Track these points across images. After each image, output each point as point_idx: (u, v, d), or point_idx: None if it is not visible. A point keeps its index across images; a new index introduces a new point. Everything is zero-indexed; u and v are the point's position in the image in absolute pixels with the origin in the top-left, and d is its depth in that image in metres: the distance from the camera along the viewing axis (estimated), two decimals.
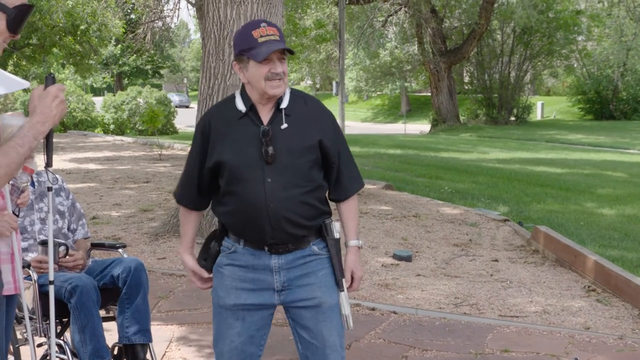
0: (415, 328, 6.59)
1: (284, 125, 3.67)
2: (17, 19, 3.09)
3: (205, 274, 3.88)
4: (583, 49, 50.47)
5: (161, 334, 6.26)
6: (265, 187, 3.62)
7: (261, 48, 3.59)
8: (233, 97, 3.80)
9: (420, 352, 6.02)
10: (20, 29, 3.15)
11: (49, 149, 3.48)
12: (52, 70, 51.77)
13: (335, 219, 3.84)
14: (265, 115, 3.70)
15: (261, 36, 3.60)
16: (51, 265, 4.00)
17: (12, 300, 4.02)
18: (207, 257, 3.87)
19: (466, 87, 51.88)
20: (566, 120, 49.32)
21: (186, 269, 3.96)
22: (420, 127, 48.51)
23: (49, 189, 3.88)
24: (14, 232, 3.91)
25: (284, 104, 3.70)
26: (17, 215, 4.17)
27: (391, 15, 41.40)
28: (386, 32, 46.29)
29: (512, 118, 46.74)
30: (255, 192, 3.62)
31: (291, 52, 3.67)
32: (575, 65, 52.12)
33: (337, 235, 3.76)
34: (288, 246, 3.70)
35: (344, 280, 3.77)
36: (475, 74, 48.88)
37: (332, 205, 3.88)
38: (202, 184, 3.83)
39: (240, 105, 3.72)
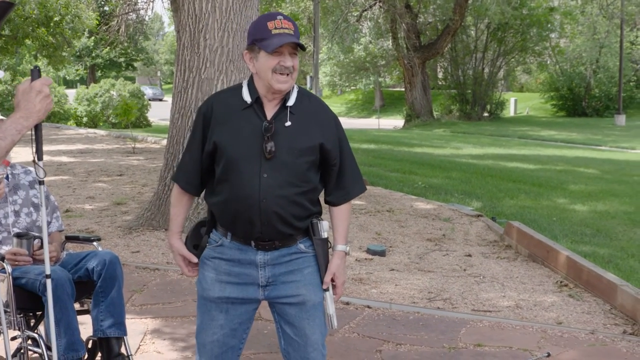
0: (389, 322, 6.61)
1: (288, 123, 3.65)
2: None
3: (195, 259, 3.86)
4: (556, 45, 50.92)
5: (135, 327, 6.24)
6: (260, 182, 3.60)
7: (273, 39, 3.57)
8: (240, 86, 3.77)
9: (394, 347, 6.04)
10: (0, 24, 3.13)
11: (38, 142, 3.46)
12: (24, 62, 51.45)
13: (324, 218, 3.83)
14: (270, 110, 3.68)
15: (275, 28, 3.58)
16: (47, 258, 3.95)
17: None
18: (197, 245, 3.87)
19: (440, 83, 52.23)
20: (539, 116, 49.67)
21: (174, 253, 3.92)
22: (394, 122, 48.68)
23: (41, 182, 3.84)
24: None
25: (290, 102, 3.68)
26: None
27: (366, 10, 41.53)
28: (360, 27, 46.43)
29: (486, 114, 47.05)
30: (249, 185, 3.60)
31: (303, 48, 3.65)
32: (549, 62, 52.59)
33: (324, 235, 3.75)
34: (275, 243, 3.69)
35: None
36: (449, 69, 49.14)
37: (325, 206, 3.89)
38: (202, 167, 3.79)
39: (247, 96, 3.69)
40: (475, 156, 22.45)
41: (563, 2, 49.79)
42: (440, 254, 9.16)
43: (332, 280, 3.79)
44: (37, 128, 3.36)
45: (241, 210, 3.63)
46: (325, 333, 3.83)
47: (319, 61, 46.06)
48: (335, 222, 3.88)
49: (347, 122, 50.17)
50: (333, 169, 3.79)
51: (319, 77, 46.42)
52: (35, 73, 3.18)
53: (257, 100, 3.67)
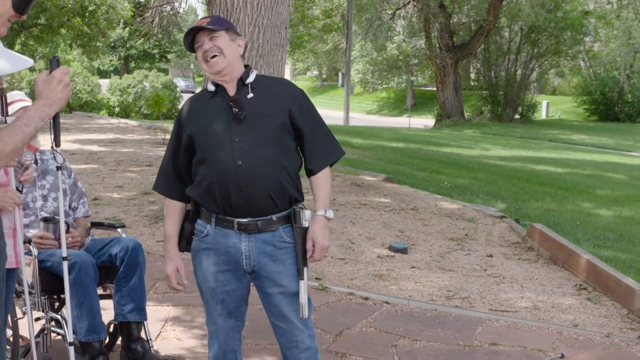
0: (407, 318, 6.70)
1: (250, 95, 3.87)
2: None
3: (174, 283, 4.11)
4: (590, 49, 50.53)
5: (156, 314, 6.38)
6: (233, 146, 3.77)
7: (186, 39, 3.92)
8: (206, 87, 4.02)
9: (410, 342, 6.13)
10: (26, 10, 3.25)
11: (56, 129, 3.60)
12: (59, 51, 51.89)
13: (307, 207, 3.97)
14: (232, 89, 3.91)
15: (191, 29, 3.91)
16: (64, 242, 4.10)
17: (13, 274, 4.14)
18: (181, 239, 4.05)
19: (472, 84, 51.97)
20: (571, 120, 49.32)
21: (168, 260, 4.11)
22: (424, 121, 48.60)
23: (58, 167, 3.99)
24: (16, 208, 4.03)
25: (249, 80, 3.92)
26: (21, 192, 4.30)
27: (400, 8, 41.50)
28: (394, 25, 46.37)
29: (517, 116, 46.80)
30: (223, 152, 3.78)
31: (214, 29, 3.85)
32: (582, 65, 52.16)
33: (305, 224, 3.88)
34: (257, 224, 3.82)
35: (305, 269, 3.88)
36: (482, 70, 48.89)
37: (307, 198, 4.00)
38: (181, 169, 3.98)
39: (210, 87, 3.96)
40: (503, 158, 22.42)
41: (598, 6, 49.47)
42: (462, 253, 9.23)
43: (312, 245, 3.90)
44: (55, 116, 3.49)
45: (218, 179, 3.78)
46: (309, 316, 3.97)
47: (352, 58, 46.10)
48: (315, 190, 3.99)
49: (378, 120, 50.28)
50: (305, 137, 3.93)
51: (351, 74, 46.45)
52: (55, 63, 3.32)
53: (218, 87, 3.92)
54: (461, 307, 7.15)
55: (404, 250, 9.11)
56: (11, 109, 4.20)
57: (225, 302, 3.99)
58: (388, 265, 8.53)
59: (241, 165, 3.74)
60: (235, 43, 3.91)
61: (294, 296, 3.90)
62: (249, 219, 3.82)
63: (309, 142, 3.95)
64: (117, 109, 40.67)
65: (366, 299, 7.20)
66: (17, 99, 4.71)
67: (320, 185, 3.99)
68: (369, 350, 5.91)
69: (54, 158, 5.38)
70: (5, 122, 3.32)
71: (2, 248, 3.17)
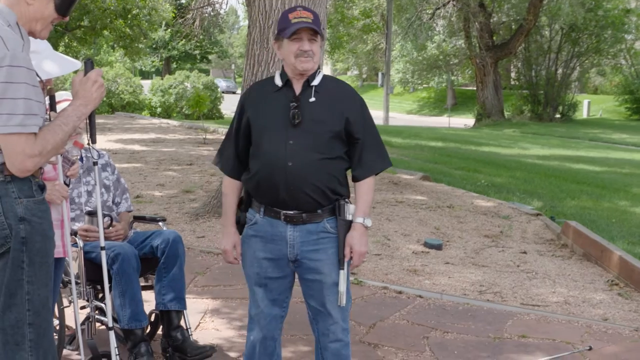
0: (439, 312, 6.86)
1: (312, 99, 4.06)
2: (65, 2, 3.42)
3: (231, 257, 4.31)
4: (631, 47, 50.08)
5: (196, 306, 6.60)
6: (286, 147, 3.99)
7: (292, 27, 4.00)
8: (273, 75, 4.21)
9: (441, 334, 6.29)
10: (69, 12, 3.48)
11: (92, 127, 3.84)
12: (102, 53, 52.48)
13: (352, 201, 4.15)
14: (299, 89, 4.10)
15: (295, 18, 4.02)
16: (101, 232, 4.35)
17: (60, 264, 4.39)
18: (237, 227, 4.27)
19: (512, 83, 51.76)
20: (612, 119, 48.96)
21: (225, 236, 4.32)
22: (464, 121, 48.53)
23: (94, 163, 4.23)
24: (64, 201, 4.27)
25: (315, 82, 4.10)
26: (68, 186, 4.54)
27: (439, 8, 41.51)
28: (434, 24, 46.33)
29: (558, 115, 46.58)
30: (276, 151, 4.00)
31: (319, 34, 4.04)
32: (623, 64, 51.72)
33: (348, 217, 4.08)
34: (302, 216, 4.04)
35: (345, 260, 4.08)
36: (522, 69, 48.72)
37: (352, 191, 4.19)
38: (239, 149, 4.21)
39: (278, 81, 4.15)
40: (541, 157, 22.44)
41: None
42: (496, 250, 9.36)
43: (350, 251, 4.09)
44: (91, 115, 3.72)
45: (268, 176, 4.01)
46: (346, 308, 4.18)
47: (392, 58, 46.17)
48: (357, 197, 4.18)
49: (418, 120, 50.26)
50: (357, 145, 4.13)
51: (391, 74, 46.51)
52: (89, 65, 3.55)
53: (286, 83, 4.11)
54: (493, 301, 7.29)
55: (438, 247, 9.26)
56: (59, 108, 4.42)
57: (268, 287, 4.19)
58: (422, 260, 8.69)
59: (291, 166, 3.96)
60: (322, 51, 4.15)
61: (333, 286, 4.09)
62: (295, 211, 4.04)
63: (359, 150, 4.14)
64: (158, 110, 41.00)
65: (400, 292, 7.37)
66: (64, 99, 4.94)
67: (362, 193, 4.18)
68: (400, 341, 6.08)
69: (101, 155, 5.66)
70: (50, 119, 3.55)
71: (51, 237, 3.39)
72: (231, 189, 4.30)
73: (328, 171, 4.03)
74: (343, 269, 4.07)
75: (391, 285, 7.58)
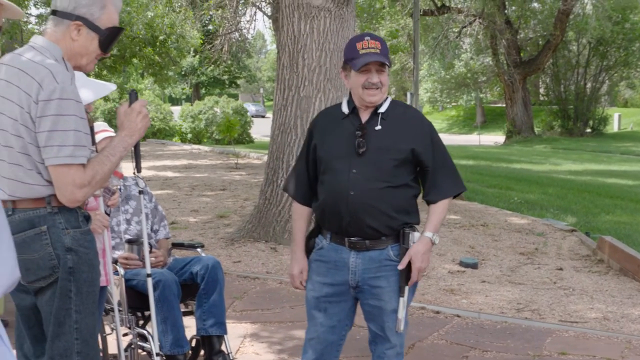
0: (477, 331, 6.86)
1: (378, 127, 4.06)
2: (108, 39, 3.51)
3: (297, 283, 4.33)
4: None
5: (235, 331, 6.64)
6: (349, 176, 4.00)
7: (360, 59, 3.99)
8: (341, 102, 4.25)
9: (480, 353, 6.29)
10: (110, 49, 3.57)
11: (137, 156, 3.91)
12: (131, 80, 52.89)
13: (418, 230, 4.14)
14: (365, 117, 4.11)
15: (363, 48, 4.00)
16: (147, 260, 4.41)
17: (102, 292, 4.46)
18: (307, 251, 4.31)
19: (541, 99, 51.59)
20: None
21: (293, 261, 4.35)
22: (494, 138, 48.41)
23: (140, 192, 4.30)
24: (105, 230, 4.35)
25: (382, 109, 4.10)
26: (109, 215, 4.62)
27: (466, 26, 41.48)
28: (461, 43, 46.35)
29: (588, 130, 46.37)
30: (339, 180, 4.02)
31: (389, 65, 4.05)
32: None
33: (412, 245, 4.05)
34: (366, 243, 4.05)
35: (407, 287, 4.06)
36: (551, 85, 48.58)
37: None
38: (310, 175, 4.25)
39: (345, 108, 4.17)
40: (573, 172, 22.36)
41: None
42: (532, 267, 9.34)
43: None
44: (136, 145, 3.79)
45: (331, 205, 4.04)
46: (404, 334, 4.18)
47: (420, 78, 46.21)
48: (430, 215, 4.15)
49: (448, 139, 50.04)
50: (427, 171, 4.11)
51: (420, 94, 46.53)
52: (133, 96, 3.63)
53: (353, 110, 4.12)
54: (531, 318, 7.28)
55: (474, 266, 9.26)
56: (96, 138, 4.50)
57: (328, 312, 4.20)
58: (459, 280, 8.69)
59: (353, 195, 3.98)
60: (388, 80, 4.12)
61: (392, 312, 4.08)
62: (358, 238, 4.06)
63: (432, 176, 4.13)
64: (189, 135, 41.26)
65: (437, 312, 7.38)
66: (101, 129, 5.02)
67: (435, 212, 4.15)
68: None
69: (136, 183, 5.73)
70: (96, 150, 3.63)
71: (97, 266, 3.46)
72: (300, 214, 4.34)
73: (391, 200, 4.02)
74: (403, 296, 4.05)
75: (428, 305, 7.59)
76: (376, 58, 3.97)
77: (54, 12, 3.47)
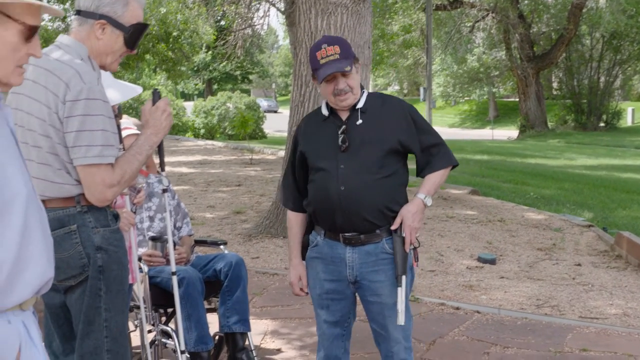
0: (498, 327, 6.86)
1: (359, 122, 4.10)
2: (133, 36, 3.52)
3: (297, 290, 4.37)
4: None
5: (256, 327, 6.64)
6: (338, 172, 4.03)
7: (321, 70, 4.05)
8: (320, 106, 4.29)
9: (502, 349, 6.28)
10: (136, 45, 3.57)
11: (161, 155, 3.93)
12: (144, 76, 52.99)
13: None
14: (344, 115, 4.15)
15: (322, 58, 4.05)
16: (172, 258, 4.43)
17: (129, 289, 4.46)
18: (303, 250, 4.35)
19: (554, 93, 51.40)
20: None
21: (292, 269, 4.39)
22: (508, 132, 48.27)
23: (164, 190, 4.31)
24: (131, 228, 4.36)
25: (359, 105, 4.13)
26: (134, 213, 4.63)
27: (478, 21, 41.41)
28: (473, 37, 46.23)
29: (602, 124, 46.21)
30: (329, 177, 4.05)
31: (352, 67, 4.04)
32: None
33: (404, 234, 4.05)
34: (360, 238, 4.07)
35: (403, 277, 4.04)
36: (564, 79, 48.42)
37: None
38: (299, 182, 4.29)
39: (324, 111, 4.21)
40: (588, 167, 22.30)
41: None
42: (550, 263, 9.32)
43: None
44: (160, 143, 3.81)
45: (323, 202, 4.07)
46: (408, 328, 4.18)
47: (432, 72, 46.13)
48: (425, 179, 4.18)
49: (460, 133, 50.03)
50: (418, 154, 4.16)
51: (432, 88, 46.42)
52: (156, 95, 3.64)
53: (332, 111, 4.16)
54: (551, 315, 7.27)
55: (492, 261, 9.25)
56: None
57: (330, 309, 4.24)
58: (477, 276, 8.68)
59: (344, 190, 4.00)
60: (358, 73, 4.13)
61: (393, 306, 4.08)
62: (353, 233, 4.07)
63: (423, 157, 4.17)
64: (202, 131, 41.36)
65: (457, 308, 7.38)
66: (124, 127, 5.04)
67: (432, 176, 4.17)
68: (461, 358, 6.08)
69: (160, 181, 5.74)
70: (124, 148, 3.64)
71: (126, 264, 3.48)
72: (295, 222, 4.37)
73: (383, 190, 4.04)
74: (401, 286, 4.04)
75: (448, 301, 7.58)
76: (335, 68, 3.99)
77: (78, 12, 3.48)
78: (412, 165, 4.12)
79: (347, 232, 4.08)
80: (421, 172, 4.20)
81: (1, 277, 2.20)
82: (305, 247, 4.32)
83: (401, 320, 4.03)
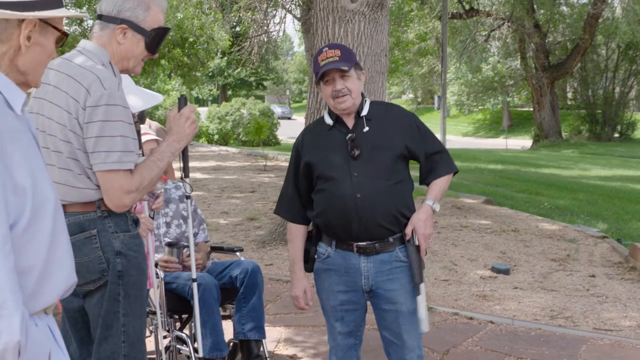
0: (511, 337, 6.84)
1: (366, 129, 4.11)
2: (155, 40, 3.54)
3: (302, 304, 4.38)
4: None
5: (269, 334, 6.63)
6: (352, 180, 4.03)
7: (320, 70, 4.08)
8: (322, 115, 4.31)
9: None
10: (157, 49, 3.60)
11: (185, 161, 3.95)
12: (158, 81, 53.08)
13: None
14: (350, 123, 4.16)
15: (322, 60, 4.09)
16: (193, 264, 4.44)
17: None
18: (307, 261, 4.34)
19: (569, 103, 51.31)
20: None
21: (295, 283, 4.40)
22: (521, 142, 48.18)
23: (187, 197, 4.35)
24: (149, 233, 4.38)
25: (364, 112, 4.15)
26: (152, 219, 4.65)
27: (494, 29, 41.37)
28: (489, 46, 46.19)
29: (616, 135, 46.12)
30: (343, 185, 4.04)
31: (349, 69, 4.06)
32: None
33: (417, 242, 4.08)
34: (375, 247, 4.08)
35: (422, 285, 4.08)
36: (579, 89, 48.36)
37: None
38: (301, 194, 4.27)
39: (328, 120, 4.22)
40: (603, 178, 22.24)
41: None
42: (564, 273, 9.30)
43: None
44: (184, 150, 3.83)
45: (339, 211, 4.05)
46: (420, 336, 4.20)
47: (447, 81, 46.10)
48: (431, 186, 4.22)
49: (474, 142, 49.98)
50: (422, 161, 4.20)
51: (447, 97, 46.37)
52: (182, 101, 3.66)
53: (337, 120, 4.16)
54: (565, 326, 7.26)
55: (506, 272, 9.23)
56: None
57: (345, 320, 4.25)
58: (491, 286, 8.67)
59: (360, 197, 4.00)
60: (360, 81, 4.15)
61: (408, 314, 4.11)
62: (367, 242, 4.08)
63: (427, 164, 4.21)
64: (216, 137, 41.40)
65: (471, 318, 7.37)
66: (143, 132, 5.06)
67: (437, 183, 4.22)
68: None
69: (177, 187, 5.77)
70: (142, 154, 3.66)
71: (144, 270, 3.50)
72: (297, 235, 4.36)
73: (396, 196, 4.07)
74: (420, 294, 4.07)
75: (462, 311, 7.58)
76: (332, 65, 4.03)
77: (100, 17, 3.50)
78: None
79: (362, 240, 4.08)
80: (425, 179, 4.25)
81: (31, 281, 2.22)
82: (311, 258, 4.31)
83: (424, 327, 4.09)
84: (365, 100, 4.21)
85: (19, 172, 2.17)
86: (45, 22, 2.36)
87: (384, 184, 4.03)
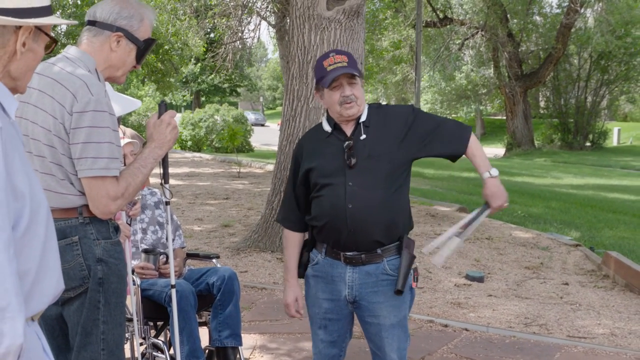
0: (486, 345, 6.87)
1: (363, 136, 4.06)
2: (143, 50, 3.54)
3: (293, 312, 4.34)
4: None
5: (245, 341, 6.57)
6: (346, 189, 3.99)
7: (328, 75, 4.01)
8: (321, 122, 4.25)
9: None
10: (143, 60, 3.60)
11: (165, 167, 3.94)
12: (131, 87, 52.87)
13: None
14: (348, 130, 4.11)
15: (330, 65, 4.03)
16: (172, 270, 4.42)
17: None
18: (300, 267, 4.31)
19: (542, 112, 51.66)
20: None
21: (287, 290, 4.35)
22: (494, 150, 48.42)
23: (167, 203, 4.34)
24: (126, 240, 4.37)
25: (362, 118, 4.10)
26: (130, 225, 4.64)
27: (468, 38, 41.60)
28: (462, 55, 46.40)
29: (588, 143, 46.48)
30: (336, 194, 4.01)
31: (358, 75, 4.04)
32: None
33: (414, 252, 4.08)
34: (361, 257, 4.05)
35: (461, 241, 4.22)
36: (551, 98, 48.70)
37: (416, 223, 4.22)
38: (299, 201, 4.25)
39: (326, 127, 4.17)
40: (575, 186, 22.39)
41: None
42: (538, 281, 9.35)
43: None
44: (165, 156, 3.82)
45: (330, 219, 4.03)
46: (403, 347, 4.15)
47: (420, 89, 46.28)
48: (471, 159, 4.17)
49: None
50: (431, 139, 4.12)
51: (420, 105, 46.55)
52: (163, 107, 3.65)
53: (335, 127, 4.12)
54: (539, 333, 7.29)
55: (480, 279, 9.27)
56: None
57: (328, 328, 4.22)
58: (465, 293, 8.70)
59: (351, 208, 3.96)
60: (363, 89, 4.12)
61: (390, 328, 4.08)
62: (354, 252, 4.05)
63: (439, 138, 4.13)
64: (189, 143, 41.27)
65: (446, 326, 7.39)
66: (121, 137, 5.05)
67: (474, 153, 4.15)
68: None
69: (153, 193, 5.75)
70: (125, 164, 3.65)
71: (125, 277, 3.49)
72: (293, 241, 4.33)
73: (390, 206, 4.02)
74: (459, 236, 4.19)
75: (436, 318, 7.60)
76: (344, 70, 3.98)
77: (93, 23, 3.49)
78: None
79: (350, 250, 4.05)
80: (454, 155, 4.19)
81: (26, 286, 2.22)
82: (303, 263, 4.30)
83: (438, 261, 4.29)
84: (365, 106, 4.17)
85: (19, 178, 2.18)
86: (39, 28, 2.38)
87: (379, 195, 3.98)
